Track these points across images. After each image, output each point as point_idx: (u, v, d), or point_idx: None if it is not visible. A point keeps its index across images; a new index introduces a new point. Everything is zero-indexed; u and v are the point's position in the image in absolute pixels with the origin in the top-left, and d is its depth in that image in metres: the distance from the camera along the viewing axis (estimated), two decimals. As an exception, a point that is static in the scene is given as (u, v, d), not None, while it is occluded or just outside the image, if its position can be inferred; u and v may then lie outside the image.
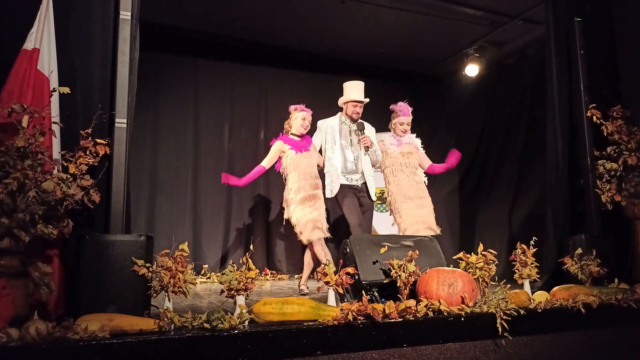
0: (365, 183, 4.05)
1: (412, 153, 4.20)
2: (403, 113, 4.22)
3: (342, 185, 3.95)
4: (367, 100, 4.13)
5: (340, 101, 4.16)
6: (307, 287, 3.97)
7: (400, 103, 4.27)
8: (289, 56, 6.06)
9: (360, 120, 4.09)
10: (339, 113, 4.19)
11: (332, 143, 4.06)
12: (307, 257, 4.06)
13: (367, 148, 3.98)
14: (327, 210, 4.10)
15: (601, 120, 3.80)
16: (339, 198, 3.96)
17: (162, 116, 5.71)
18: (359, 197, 4.00)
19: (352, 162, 4.03)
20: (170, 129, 5.74)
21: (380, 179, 4.40)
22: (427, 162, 4.33)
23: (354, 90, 4.08)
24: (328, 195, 4.01)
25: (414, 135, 4.43)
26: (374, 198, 4.10)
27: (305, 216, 3.85)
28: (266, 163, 4.03)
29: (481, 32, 5.48)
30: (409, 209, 4.02)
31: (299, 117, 4.06)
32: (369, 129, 4.14)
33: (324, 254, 3.79)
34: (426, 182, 4.28)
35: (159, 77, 5.66)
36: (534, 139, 5.23)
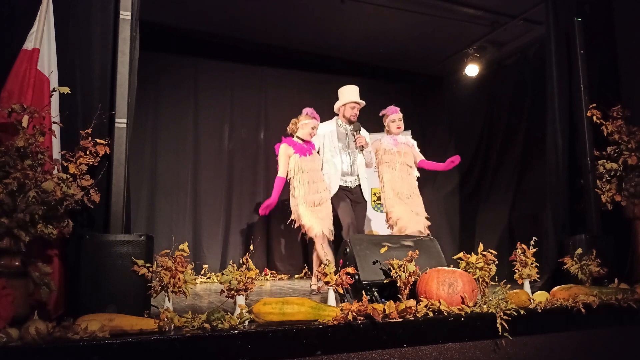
0: (359, 185, 4.17)
1: (408, 153, 4.32)
2: (391, 111, 4.37)
3: (338, 187, 4.06)
4: (364, 103, 4.24)
5: (337, 105, 4.27)
6: (318, 287, 3.89)
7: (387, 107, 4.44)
8: (289, 56, 6.06)
9: (356, 122, 4.20)
10: (335, 117, 4.29)
11: (330, 146, 4.16)
12: (315, 257, 4.09)
13: (362, 147, 4.11)
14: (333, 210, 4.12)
15: (601, 120, 3.80)
16: (334, 200, 4.06)
17: (162, 116, 5.72)
18: (352, 198, 4.12)
19: (348, 164, 4.14)
20: (170, 129, 5.74)
21: (375, 179, 4.46)
22: (420, 157, 4.44)
23: (351, 93, 4.19)
24: None
25: (409, 134, 4.51)
26: (367, 198, 4.22)
27: (313, 216, 3.87)
28: (282, 172, 3.99)
29: (481, 32, 5.48)
30: (401, 206, 4.11)
31: (309, 125, 4.04)
32: (364, 132, 4.25)
33: (324, 253, 3.78)
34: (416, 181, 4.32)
35: (159, 77, 5.66)
36: (534, 139, 5.22)
